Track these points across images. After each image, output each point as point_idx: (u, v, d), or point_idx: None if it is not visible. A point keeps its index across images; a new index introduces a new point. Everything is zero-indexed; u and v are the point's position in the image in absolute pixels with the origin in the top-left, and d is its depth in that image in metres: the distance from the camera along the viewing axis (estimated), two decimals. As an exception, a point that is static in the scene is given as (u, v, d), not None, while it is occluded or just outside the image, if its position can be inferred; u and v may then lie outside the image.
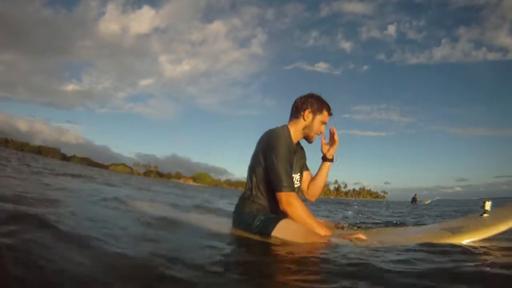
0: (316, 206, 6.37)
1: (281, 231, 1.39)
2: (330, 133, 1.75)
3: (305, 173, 1.81)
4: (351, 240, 1.37)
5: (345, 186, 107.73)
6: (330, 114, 1.68)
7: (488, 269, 0.96)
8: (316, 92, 1.69)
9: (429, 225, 1.91)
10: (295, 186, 1.62)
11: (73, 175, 5.85)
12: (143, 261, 0.88)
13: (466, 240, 1.34)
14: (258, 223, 1.48)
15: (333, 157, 1.78)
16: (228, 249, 1.17)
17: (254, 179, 1.59)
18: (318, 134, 1.69)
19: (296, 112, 1.66)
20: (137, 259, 0.89)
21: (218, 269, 0.87)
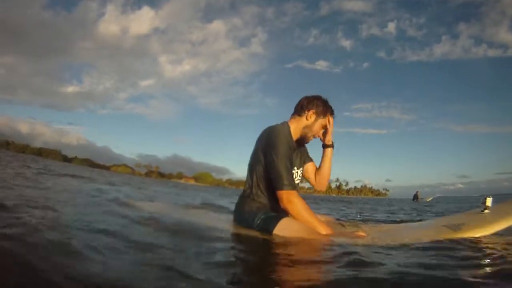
0: (317, 204, 6.37)
1: (283, 229, 1.39)
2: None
3: (309, 164, 1.81)
4: (352, 238, 1.36)
5: (347, 184, 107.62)
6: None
7: (489, 266, 0.96)
8: (317, 90, 1.75)
9: (430, 222, 1.90)
10: (296, 182, 1.62)
11: (74, 176, 5.85)
12: (144, 260, 0.88)
13: (467, 237, 1.34)
14: (259, 222, 1.47)
15: (332, 142, 1.77)
16: (228, 248, 1.17)
17: (254, 177, 1.58)
18: (315, 137, 1.70)
19: (300, 110, 1.65)
20: (137, 259, 0.89)
21: (218, 268, 0.87)
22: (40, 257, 0.79)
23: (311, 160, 1.82)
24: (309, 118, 1.64)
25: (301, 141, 1.68)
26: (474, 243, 1.25)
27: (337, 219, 2.15)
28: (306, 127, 1.64)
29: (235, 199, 1.73)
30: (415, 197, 18.42)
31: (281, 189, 1.45)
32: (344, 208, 5.57)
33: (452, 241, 1.28)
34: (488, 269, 0.93)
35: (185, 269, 0.82)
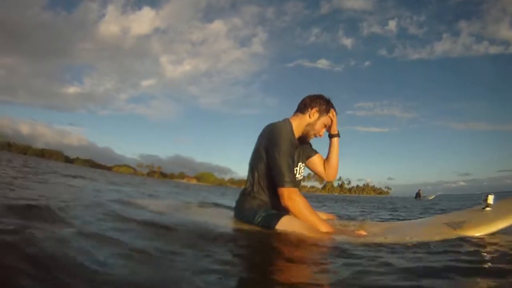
0: (319, 203, 6.37)
1: (283, 227, 1.39)
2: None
3: (316, 157, 1.81)
4: (353, 237, 1.36)
5: (349, 182, 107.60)
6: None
7: (490, 263, 0.95)
8: (318, 89, 1.75)
9: (430, 219, 1.89)
10: (298, 178, 1.61)
11: (76, 177, 5.87)
12: (144, 259, 0.88)
13: (468, 234, 1.33)
14: (259, 219, 1.47)
15: (338, 131, 1.78)
16: (228, 245, 1.17)
17: (255, 175, 1.58)
18: (316, 136, 1.69)
19: (303, 108, 1.66)
20: (137, 258, 0.89)
21: (219, 267, 0.87)
22: (40, 257, 0.79)
23: (316, 152, 1.82)
24: (312, 116, 1.64)
25: (303, 139, 1.68)
26: (475, 241, 1.24)
27: (338, 217, 2.14)
28: (308, 124, 1.64)
29: (235, 198, 1.73)
30: (417, 195, 18.42)
31: (282, 186, 1.45)
32: (346, 206, 5.58)
33: (453, 239, 1.27)
34: (488, 268, 0.92)
35: (185, 267, 0.82)
